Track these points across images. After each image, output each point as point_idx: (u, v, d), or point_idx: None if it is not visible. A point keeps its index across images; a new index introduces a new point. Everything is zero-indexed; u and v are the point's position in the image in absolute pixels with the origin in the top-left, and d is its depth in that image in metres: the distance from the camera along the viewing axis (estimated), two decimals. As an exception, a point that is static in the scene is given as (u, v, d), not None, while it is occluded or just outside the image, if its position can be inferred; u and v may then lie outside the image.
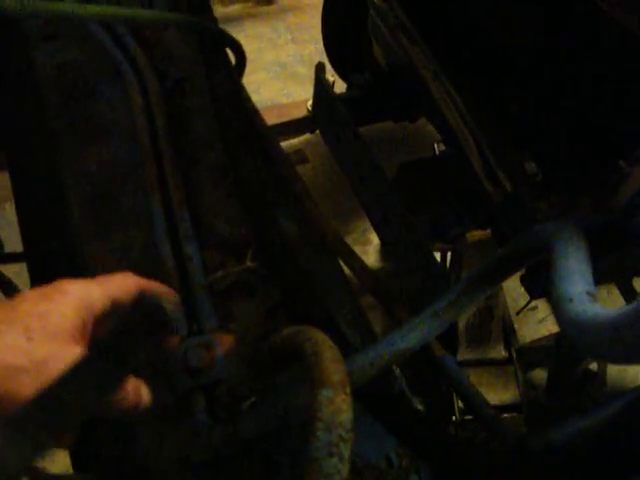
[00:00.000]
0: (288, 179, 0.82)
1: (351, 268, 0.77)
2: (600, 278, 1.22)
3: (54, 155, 0.98)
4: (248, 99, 0.92)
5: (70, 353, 0.51)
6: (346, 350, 0.73)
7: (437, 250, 1.78)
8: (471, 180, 1.24)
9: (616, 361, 0.41)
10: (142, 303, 0.65)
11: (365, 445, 0.71)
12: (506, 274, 0.65)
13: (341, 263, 0.81)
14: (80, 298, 0.56)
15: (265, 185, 0.85)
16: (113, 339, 0.63)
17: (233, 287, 0.83)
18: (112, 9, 0.91)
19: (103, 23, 1.03)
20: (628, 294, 1.49)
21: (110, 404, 0.54)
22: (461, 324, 1.87)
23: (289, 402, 0.69)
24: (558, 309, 0.48)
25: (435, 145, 1.82)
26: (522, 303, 1.93)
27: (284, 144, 2.30)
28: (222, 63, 0.99)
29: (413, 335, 0.65)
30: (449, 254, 1.87)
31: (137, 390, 0.58)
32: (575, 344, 0.45)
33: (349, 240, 2.21)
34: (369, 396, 0.71)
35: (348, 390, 0.44)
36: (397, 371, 0.76)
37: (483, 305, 1.93)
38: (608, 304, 1.89)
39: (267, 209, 0.84)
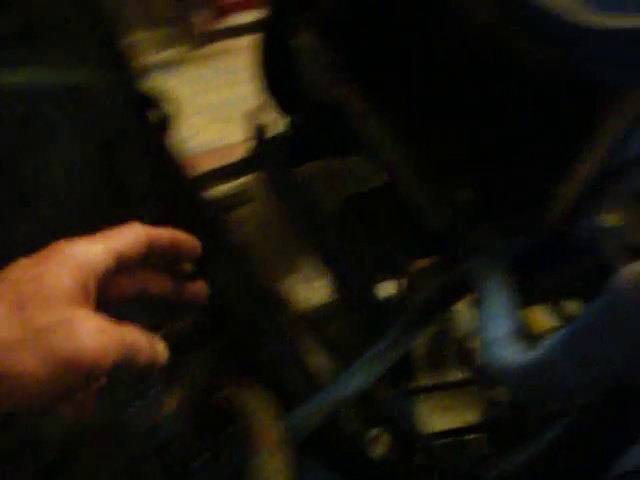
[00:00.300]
0: (221, 231, 0.82)
1: (290, 316, 0.77)
2: (536, 299, 1.26)
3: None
4: (176, 154, 0.92)
5: (71, 316, 0.46)
6: (290, 398, 0.73)
7: (388, 280, 1.80)
8: (410, 211, 1.26)
9: (533, 405, 0.42)
10: (157, 253, 0.61)
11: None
12: (439, 312, 0.66)
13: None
14: (77, 256, 0.51)
15: (200, 238, 0.85)
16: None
17: (177, 343, 0.82)
18: (36, 74, 0.90)
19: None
20: (559, 316, 1.53)
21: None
22: (417, 350, 1.89)
23: (241, 458, 0.69)
24: (482, 353, 0.49)
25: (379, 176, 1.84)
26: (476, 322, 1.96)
27: (227, 186, 2.30)
28: (147, 120, 0.99)
29: (354, 382, 0.65)
30: (401, 282, 1.89)
31: (153, 345, 0.54)
32: (499, 386, 0.46)
33: (299, 277, 2.22)
34: (319, 443, 0.71)
35: (285, 451, 0.44)
36: (346, 414, 0.76)
37: (437, 329, 1.95)
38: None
39: (204, 262, 0.84)
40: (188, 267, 0.68)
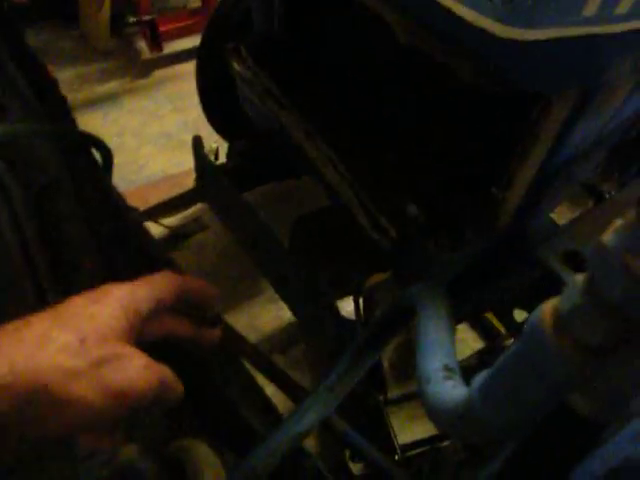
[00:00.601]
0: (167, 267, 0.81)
1: (242, 353, 0.76)
2: (486, 307, 1.27)
3: None
4: (118, 196, 0.91)
5: (123, 352, 0.51)
6: (254, 439, 0.72)
7: (347, 297, 1.80)
8: (359, 230, 1.27)
9: (468, 442, 0.43)
10: (185, 300, 0.66)
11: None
12: (387, 338, 0.66)
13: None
14: (127, 299, 0.56)
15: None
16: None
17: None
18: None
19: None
20: (509, 326, 1.56)
21: None
22: (385, 362, 1.89)
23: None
24: (419, 388, 0.49)
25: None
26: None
27: (181, 214, 2.28)
28: (86, 163, 0.97)
29: (309, 416, 0.65)
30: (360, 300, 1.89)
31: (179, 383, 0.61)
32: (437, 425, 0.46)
33: (262, 299, 2.21)
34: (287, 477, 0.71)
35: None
36: (307, 449, 0.75)
37: (402, 339, 1.95)
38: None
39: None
40: (212, 312, 0.72)
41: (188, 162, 2.66)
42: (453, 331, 0.55)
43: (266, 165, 1.67)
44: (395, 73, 1.26)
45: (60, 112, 1.06)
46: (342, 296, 1.48)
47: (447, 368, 0.49)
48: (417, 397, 1.92)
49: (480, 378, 0.41)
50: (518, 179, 1.04)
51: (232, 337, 0.78)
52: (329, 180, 1.25)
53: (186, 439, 0.54)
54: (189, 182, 2.38)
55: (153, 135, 2.81)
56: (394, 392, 1.87)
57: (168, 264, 0.83)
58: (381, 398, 1.83)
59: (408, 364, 1.95)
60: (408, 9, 0.93)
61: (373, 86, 1.33)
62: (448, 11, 0.79)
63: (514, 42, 0.74)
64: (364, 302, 1.83)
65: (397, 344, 1.94)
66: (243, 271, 2.24)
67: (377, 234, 1.17)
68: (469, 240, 1.15)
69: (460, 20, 0.78)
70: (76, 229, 0.94)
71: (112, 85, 3.12)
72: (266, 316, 2.17)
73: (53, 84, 1.08)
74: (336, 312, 1.27)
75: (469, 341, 2.40)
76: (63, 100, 1.06)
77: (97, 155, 1.05)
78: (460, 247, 1.15)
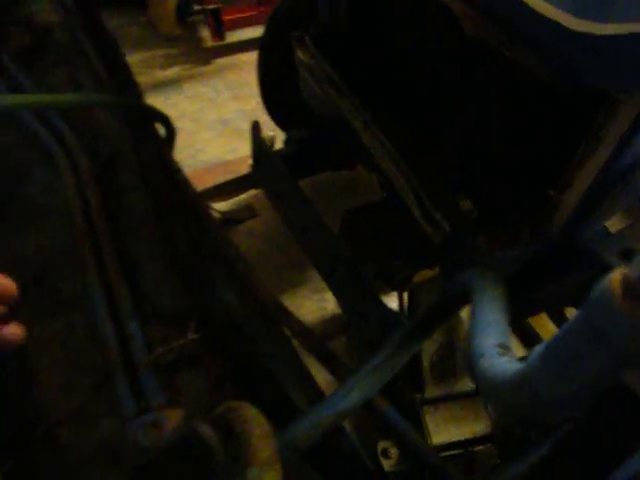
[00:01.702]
0: (222, 247, 0.83)
1: (291, 330, 0.77)
2: (538, 308, 1.25)
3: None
4: (178, 170, 0.93)
5: None
6: (292, 413, 0.73)
7: (391, 292, 1.80)
8: (412, 223, 1.26)
9: (522, 416, 0.43)
10: None
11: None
12: (437, 323, 0.66)
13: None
14: None
15: (201, 255, 0.86)
16: None
17: (177, 360, 0.83)
18: (39, 97, 0.92)
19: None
20: (560, 324, 1.53)
21: None
22: (425, 361, 1.88)
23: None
24: (471, 363, 0.49)
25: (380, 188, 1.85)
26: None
27: (233, 200, 2.32)
28: (150, 137, 1.00)
29: (354, 394, 0.65)
30: (405, 295, 1.89)
31: None
32: (487, 399, 0.46)
33: (307, 289, 2.22)
34: (319, 456, 0.71)
35: (277, 466, 0.44)
36: (347, 428, 0.76)
37: (444, 340, 1.94)
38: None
39: (206, 279, 0.85)
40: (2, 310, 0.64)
41: (243, 149, 2.71)
42: (508, 314, 0.55)
43: (322, 154, 1.68)
44: (457, 67, 1.25)
45: (129, 90, 1.09)
46: (388, 289, 1.48)
47: (502, 346, 0.49)
48: (454, 399, 1.91)
49: (539, 348, 0.41)
50: (576, 182, 1.02)
51: (280, 313, 0.79)
52: (385, 171, 1.25)
53: (232, 401, 0.56)
54: (243, 169, 2.42)
55: (210, 121, 2.86)
56: (432, 392, 1.86)
57: (224, 238, 0.85)
58: (418, 397, 1.83)
59: (448, 365, 1.94)
60: (477, 2, 0.93)
61: (434, 79, 1.33)
62: (519, 2, 0.79)
63: (587, 36, 0.73)
64: (409, 297, 1.83)
65: (439, 345, 1.93)
66: (289, 260, 2.26)
67: (430, 227, 1.17)
68: (522, 239, 1.13)
69: (531, 11, 0.77)
70: (137, 199, 0.97)
71: (174, 71, 3.19)
72: (309, 306, 2.18)
73: (124, 64, 1.12)
74: (381, 303, 1.27)
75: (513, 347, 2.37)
76: (133, 79, 1.10)
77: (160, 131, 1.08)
78: (512, 245, 1.13)
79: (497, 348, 0.48)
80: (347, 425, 0.80)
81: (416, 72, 1.38)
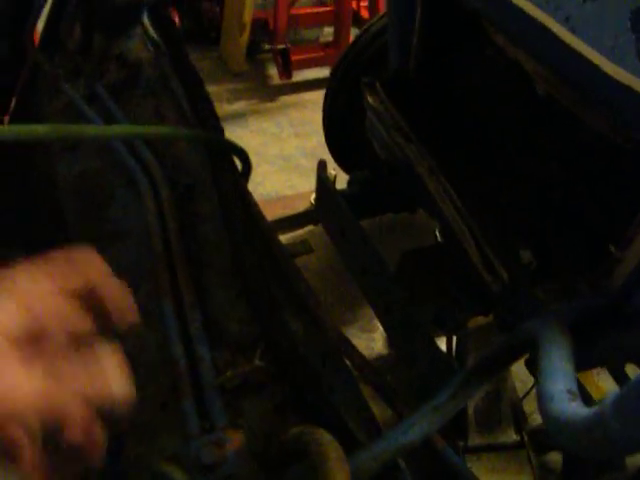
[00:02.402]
0: (292, 279, 0.87)
1: (353, 364, 0.80)
2: (594, 362, 1.25)
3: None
4: (254, 204, 0.99)
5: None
6: (351, 446, 0.76)
7: (441, 336, 1.81)
8: (469, 269, 1.29)
9: (591, 457, 0.44)
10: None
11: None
12: (500, 368, 0.69)
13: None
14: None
15: (271, 286, 0.90)
16: None
17: (243, 385, 0.86)
18: (130, 128, 1.00)
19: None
20: (619, 379, 1.51)
21: None
22: (470, 409, 1.87)
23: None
24: (541, 406, 0.52)
25: (437, 232, 1.88)
26: (530, 385, 1.94)
27: (289, 235, 2.37)
28: (229, 170, 1.06)
29: (415, 430, 0.68)
30: (454, 340, 1.89)
31: (90, 424, 0.45)
32: (555, 440, 0.48)
33: (355, 328, 2.25)
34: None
35: (352, 489, 0.47)
36: (402, 464, 0.78)
37: (491, 389, 1.93)
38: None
39: (274, 309, 0.89)
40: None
41: (301, 186, 2.79)
42: (575, 364, 0.57)
43: (384, 196, 1.73)
44: (526, 121, 1.28)
45: (210, 123, 1.16)
46: (440, 332, 1.49)
47: (571, 392, 0.51)
48: (497, 450, 1.89)
49: (613, 395, 0.43)
50: (639, 241, 1.03)
51: (344, 345, 0.83)
52: (446, 217, 1.28)
53: (305, 426, 0.59)
54: (301, 205, 2.49)
55: (272, 156, 2.95)
56: (475, 440, 1.84)
57: (295, 271, 0.89)
58: (461, 444, 1.81)
59: (493, 415, 1.93)
60: (550, 60, 0.96)
61: (502, 131, 1.36)
62: (594, 67, 0.82)
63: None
64: (457, 342, 1.84)
65: (485, 393, 1.92)
66: (340, 298, 2.29)
67: (489, 275, 1.19)
68: (580, 294, 1.14)
69: (606, 77, 0.81)
70: (213, 228, 1.03)
71: (241, 105, 3.30)
72: (357, 344, 2.19)
73: (207, 99, 1.19)
74: (434, 346, 1.28)
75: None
76: (214, 113, 1.16)
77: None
78: (570, 299, 1.14)
79: (567, 394, 0.50)
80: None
81: (484, 123, 1.41)
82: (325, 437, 0.52)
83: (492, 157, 1.36)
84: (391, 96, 1.52)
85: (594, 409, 0.45)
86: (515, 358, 0.69)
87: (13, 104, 1.46)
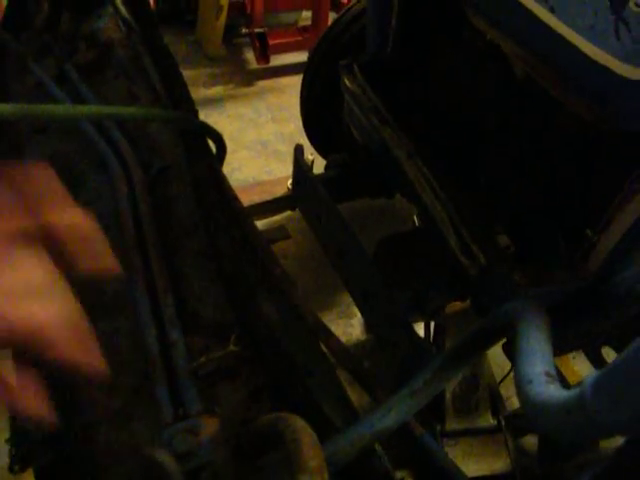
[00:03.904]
0: (268, 264, 0.86)
1: (330, 349, 0.79)
2: (571, 346, 1.25)
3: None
4: (229, 187, 0.97)
5: None
6: (328, 431, 0.75)
7: (420, 322, 1.81)
8: (447, 254, 1.28)
9: (570, 440, 0.44)
10: None
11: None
12: (477, 352, 0.68)
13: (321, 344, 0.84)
14: None
15: (246, 270, 0.89)
16: None
17: (217, 371, 0.85)
18: (99, 109, 0.96)
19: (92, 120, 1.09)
20: (596, 363, 1.52)
21: None
22: (447, 394, 1.88)
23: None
24: (519, 390, 0.51)
25: (415, 217, 1.87)
26: (508, 369, 1.95)
27: (267, 221, 2.35)
28: (203, 152, 1.04)
29: (391, 415, 0.67)
30: (432, 325, 1.89)
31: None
32: (534, 423, 0.47)
33: (333, 314, 2.24)
34: (352, 476, 0.73)
35: (325, 475, 0.46)
36: (379, 450, 0.77)
37: (468, 373, 1.93)
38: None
39: (249, 294, 0.87)
40: None
41: (279, 171, 2.77)
42: (552, 346, 0.56)
43: (362, 180, 1.71)
44: (503, 104, 1.27)
45: (184, 105, 1.13)
46: (418, 318, 1.49)
47: (549, 374, 0.50)
48: (475, 434, 1.90)
49: (592, 377, 0.43)
50: (616, 223, 1.03)
51: (320, 330, 0.81)
52: (424, 201, 1.28)
53: (278, 412, 0.58)
54: (278, 190, 2.47)
55: (249, 141, 2.92)
56: (452, 425, 1.85)
57: (270, 254, 0.87)
58: (438, 428, 1.82)
59: (470, 399, 1.93)
60: (528, 40, 0.95)
61: (478, 114, 1.35)
62: (573, 47, 0.81)
63: (636, 83, 0.75)
64: (435, 327, 1.84)
65: (462, 377, 1.93)
66: (318, 284, 2.29)
67: (466, 259, 1.19)
68: (558, 277, 1.14)
69: (584, 57, 0.80)
70: (186, 212, 1.01)
71: (218, 90, 3.26)
72: (335, 330, 2.19)
73: (181, 80, 1.16)
74: (412, 332, 1.28)
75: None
76: (188, 95, 1.14)
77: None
78: (547, 283, 1.14)
79: (544, 376, 0.50)
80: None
81: (461, 106, 1.40)
82: (298, 423, 0.51)
83: (470, 141, 1.35)
84: (368, 79, 1.50)
85: (573, 391, 0.44)
86: (492, 342, 0.68)
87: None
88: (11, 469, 0.90)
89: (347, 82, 1.52)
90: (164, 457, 0.67)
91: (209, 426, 0.77)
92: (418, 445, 0.73)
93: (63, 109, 0.95)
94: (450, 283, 1.35)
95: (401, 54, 1.51)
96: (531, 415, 0.48)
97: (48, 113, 0.88)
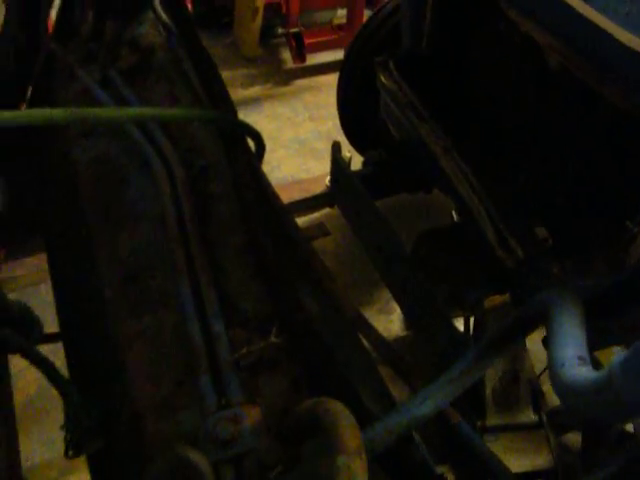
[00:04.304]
0: (307, 258, 0.88)
1: (369, 341, 0.81)
2: (616, 339, 1.24)
3: (88, 241, 1.06)
4: (268, 184, 0.99)
5: None
6: (367, 420, 0.76)
7: (459, 316, 1.81)
8: (485, 247, 1.28)
9: (601, 420, 0.45)
10: None
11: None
12: (513, 341, 0.69)
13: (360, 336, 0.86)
14: None
15: (286, 265, 0.91)
16: None
17: (258, 362, 0.87)
18: (143, 110, 1.00)
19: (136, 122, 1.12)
20: None
21: None
22: (488, 389, 1.87)
23: (314, 471, 0.72)
24: (552, 373, 0.52)
25: (453, 213, 1.87)
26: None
27: (306, 218, 2.38)
28: (243, 151, 1.07)
29: (429, 403, 0.68)
30: (471, 320, 1.89)
31: None
32: (566, 406, 0.48)
33: (373, 310, 2.25)
34: (391, 463, 0.74)
35: (364, 456, 0.48)
36: (417, 438, 0.78)
37: (508, 368, 1.92)
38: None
39: (289, 288, 0.89)
40: None
41: (317, 169, 2.79)
42: (585, 332, 0.57)
43: (399, 176, 1.72)
44: (540, 97, 1.27)
45: (223, 105, 1.16)
46: (458, 312, 1.49)
47: (581, 358, 0.51)
48: (516, 430, 1.89)
49: (621, 357, 0.44)
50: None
51: (360, 323, 0.83)
52: (462, 195, 1.28)
53: (318, 398, 0.59)
54: (316, 188, 2.49)
55: (287, 140, 2.95)
56: (493, 420, 1.84)
57: (309, 250, 0.89)
58: (478, 424, 1.81)
59: (511, 395, 1.92)
60: (563, 31, 0.95)
61: (516, 108, 1.35)
62: (608, 35, 0.81)
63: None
64: (475, 321, 1.83)
65: (502, 373, 1.91)
66: (356, 280, 2.29)
67: (504, 253, 1.19)
68: (596, 270, 1.14)
69: (620, 45, 0.79)
70: (227, 209, 1.04)
71: (255, 90, 3.30)
72: (376, 326, 2.21)
73: (220, 82, 1.19)
74: (451, 325, 1.29)
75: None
76: (228, 96, 1.17)
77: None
78: (586, 275, 1.14)
79: (577, 360, 0.50)
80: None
81: (498, 100, 1.40)
82: (337, 406, 0.52)
83: (507, 134, 1.35)
84: (404, 75, 1.51)
85: (602, 371, 0.45)
86: (528, 331, 0.69)
87: (30, 92, 1.48)
88: (66, 454, 0.95)
89: (383, 78, 1.53)
90: (197, 457, 0.69)
91: (251, 415, 0.80)
92: (455, 433, 0.75)
93: (109, 112, 1.00)
94: (488, 277, 1.35)
95: (436, 49, 1.52)
96: (563, 397, 0.49)
97: (95, 116, 0.93)
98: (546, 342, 1.22)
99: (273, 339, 0.88)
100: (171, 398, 0.87)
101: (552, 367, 0.53)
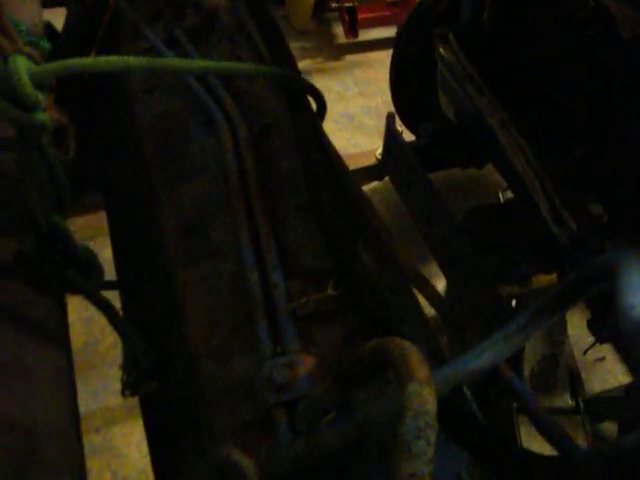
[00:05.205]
0: (365, 215, 0.90)
1: (426, 296, 0.82)
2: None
3: (150, 192, 1.09)
4: (329, 142, 1.01)
5: None
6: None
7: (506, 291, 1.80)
8: (537, 223, 1.28)
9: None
10: None
11: (437, 462, 0.75)
12: (572, 301, 0.69)
13: (415, 292, 0.87)
14: None
15: (345, 220, 0.93)
16: None
17: (314, 313, 0.89)
18: (209, 63, 1.02)
19: (199, 76, 1.15)
20: None
21: None
22: (526, 371, 1.87)
23: (368, 417, 0.74)
24: (621, 318, 0.53)
25: (500, 193, 1.86)
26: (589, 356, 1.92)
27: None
28: (305, 110, 1.08)
29: (484, 356, 0.70)
30: (514, 301, 1.89)
31: None
32: (636, 350, 0.49)
33: (424, 279, 2.26)
34: (443, 414, 0.76)
35: (433, 386, 0.49)
36: (468, 394, 0.80)
37: (548, 352, 1.91)
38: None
39: (347, 242, 0.91)
40: None
41: (365, 144, 2.79)
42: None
43: (453, 150, 1.72)
44: (601, 72, 1.25)
45: (287, 65, 1.18)
46: (505, 285, 1.49)
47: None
48: (552, 413, 1.88)
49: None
50: None
51: (416, 279, 0.84)
52: (517, 169, 1.28)
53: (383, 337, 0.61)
54: (365, 162, 2.49)
55: (336, 114, 2.96)
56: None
57: (368, 207, 0.91)
58: (514, 405, 1.81)
59: (549, 378, 1.91)
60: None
61: (574, 83, 1.33)
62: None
63: None
64: (517, 301, 1.83)
65: (541, 356, 1.91)
66: (404, 255, 2.30)
67: (558, 228, 1.19)
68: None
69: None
70: (288, 167, 1.05)
71: (305, 63, 3.31)
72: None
73: (284, 41, 1.21)
74: (498, 297, 1.29)
75: (617, 374, 2.31)
76: (291, 56, 1.18)
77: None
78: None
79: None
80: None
81: (557, 75, 1.39)
82: (406, 342, 0.54)
83: (566, 108, 1.34)
84: (464, 47, 1.51)
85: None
86: (588, 290, 0.69)
87: (95, 49, 1.51)
88: (123, 393, 0.99)
89: (442, 51, 1.53)
90: (240, 458, 0.71)
91: (306, 362, 0.82)
92: (508, 388, 0.76)
93: (179, 62, 1.02)
94: (539, 252, 1.35)
95: (497, 22, 1.51)
96: (631, 339, 0.50)
97: (165, 65, 0.95)
98: (592, 326, 1.22)
99: (330, 291, 0.89)
100: (227, 343, 0.90)
101: (622, 311, 0.53)
